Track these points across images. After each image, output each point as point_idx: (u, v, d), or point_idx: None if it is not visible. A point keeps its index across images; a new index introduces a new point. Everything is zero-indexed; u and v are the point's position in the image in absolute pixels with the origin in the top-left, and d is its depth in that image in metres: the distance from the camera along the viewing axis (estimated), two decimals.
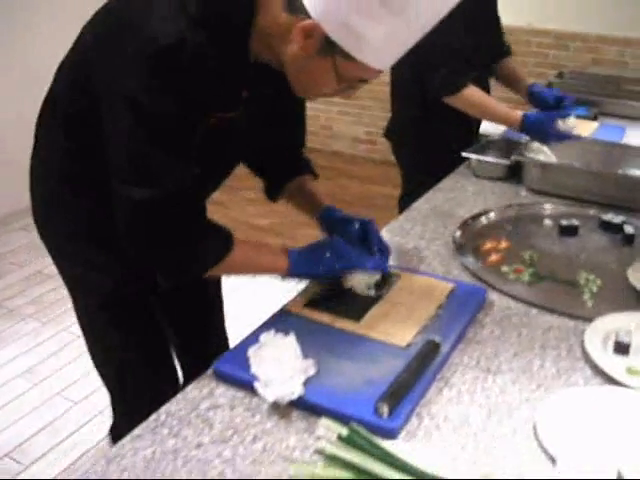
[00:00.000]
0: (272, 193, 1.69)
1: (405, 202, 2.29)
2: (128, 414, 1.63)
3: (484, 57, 2.50)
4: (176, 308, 1.78)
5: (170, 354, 1.69)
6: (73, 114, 1.32)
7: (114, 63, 1.18)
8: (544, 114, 2.33)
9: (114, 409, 1.75)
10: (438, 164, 2.42)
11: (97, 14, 1.30)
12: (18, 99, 4.46)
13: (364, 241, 1.51)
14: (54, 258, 1.57)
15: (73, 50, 1.33)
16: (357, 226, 1.53)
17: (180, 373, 1.80)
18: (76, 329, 3.22)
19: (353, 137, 5.64)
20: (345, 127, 5.63)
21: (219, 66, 1.20)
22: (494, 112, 2.35)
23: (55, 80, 1.38)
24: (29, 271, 3.84)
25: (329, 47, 1.15)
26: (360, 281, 1.46)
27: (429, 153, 2.55)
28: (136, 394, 1.64)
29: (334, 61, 1.18)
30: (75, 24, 1.41)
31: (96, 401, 2.83)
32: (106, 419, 2.70)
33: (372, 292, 1.47)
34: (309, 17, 1.13)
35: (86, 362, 3.00)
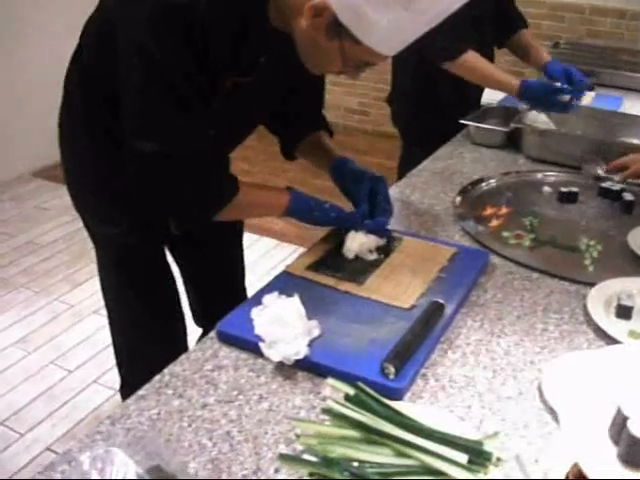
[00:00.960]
0: (288, 151, 1.70)
1: (404, 169, 2.27)
2: (136, 372, 1.64)
3: (488, 27, 2.48)
4: (193, 264, 1.85)
5: (182, 315, 1.75)
6: (97, 66, 1.35)
7: (133, 20, 1.20)
8: (543, 82, 2.30)
9: (121, 368, 1.79)
10: (437, 132, 2.41)
11: None
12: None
13: (372, 197, 1.51)
14: (80, 212, 1.60)
15: (99, 7, 1.36)
16: (366, 181, 1.52)
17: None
18: (69, 298, 3.27)
19: (346, 108, 5.60)
20: (338, 98, 5.59)
21: (235, 29, 1.21)
22: (493, 78, 2.31)
23: (82, 34, 1.40)
24: (20, 241, 3.81)
25: (337, 28, 1.14)
26: (361, 244, 1.46)
27: (429, 121, 2.53)
28: (145, 352, 1.67)
29: (341, 42, 1.18)
30: None
31: (91, 370, 2.83)
32: (101, 387, 2.71)
33: (374, 256, 1.46)
34: None
35: (79, 331, 3.04)
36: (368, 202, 1.50)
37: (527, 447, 1.01)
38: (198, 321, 1.97)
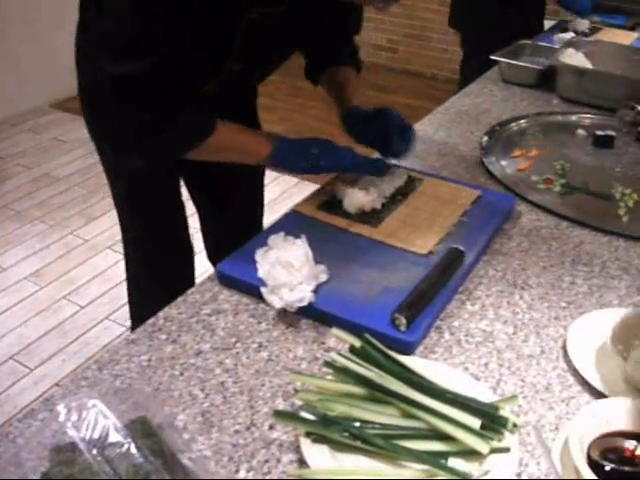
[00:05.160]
0: (311, 75, 1.60)
1: (466, 69, 2.38)
2: (145, 312, 1.60)
3: None
4: (210, 201, 1.82)
5: (192, 255, 1.74)
6: None
7: None
8: None
9: (131, 307, 1.79)
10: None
11: None
12: None
13: (384, 139, 1.40)
14: (95, 140, 1.54)
15: None
16: (375, 120, 1.41)
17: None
18: (83, 233, 3.22)
19: (374, 44, 5.41)
20: (366, 34, 5.39)
21: None
22: None
23: None
24: (37, 173, 3.74)
25: None
26: (360, 205, 1.32)
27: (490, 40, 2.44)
28: (153, 291, 1.66)
29: None
30: None
31: (103, 306, 2.78)
32: (112, 324, 2.66)
33: (378, 204, 1.34)
34: None
35: (92, 267, 2.99)
36: (391, 142, 1.40)
37: (547, 412, 0.92)
38: (211, 258, 1.93)
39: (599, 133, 1.76)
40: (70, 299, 2.83)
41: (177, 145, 1.26)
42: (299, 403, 0.90)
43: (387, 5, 1.18)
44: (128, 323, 1.79)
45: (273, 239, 1.15)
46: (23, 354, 2.53)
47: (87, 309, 2.78)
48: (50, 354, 2.53)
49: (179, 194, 1.64)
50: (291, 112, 4.26)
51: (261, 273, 1.10)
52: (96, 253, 3.11)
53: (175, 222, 1.66)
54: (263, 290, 1.07)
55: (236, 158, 1.37)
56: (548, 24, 2.98)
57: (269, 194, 3.45)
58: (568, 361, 1.00)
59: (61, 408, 0.82)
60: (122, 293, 2.09)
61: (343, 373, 0.90)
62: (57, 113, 4.44)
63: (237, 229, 1.81)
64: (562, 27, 2.72)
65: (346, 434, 0.83)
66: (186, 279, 1.69)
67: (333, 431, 0.83)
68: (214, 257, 1.91)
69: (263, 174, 1.86)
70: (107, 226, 3.22)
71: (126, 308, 1.84)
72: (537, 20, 2.91)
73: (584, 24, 2.65)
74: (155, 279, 1.70)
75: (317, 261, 1.12)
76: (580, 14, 2.66)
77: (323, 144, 1.32)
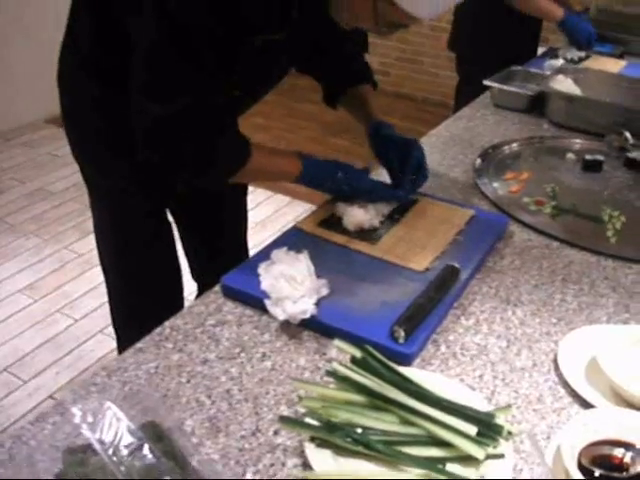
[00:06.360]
0: (330, 100, 1.64)
1: (463, 90, 2.52)
2: (131, 329, 1.61)
3: None
4: (194, 219, 1.77)
5: (179, 272, 1.68)
6: (104, 14, 1.26)
7: None
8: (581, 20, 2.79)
9: (115, 324, 1.74)
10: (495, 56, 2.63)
11: None
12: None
13: (404, 163, 1.45)
14: (79, 162, 1.53)
15: None
16: (399, 149, 1.47)
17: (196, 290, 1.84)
18: (78, 247, 3.24)
19: None
20: None
21: None
22: (539, 5, 2.70)
23: None
24: (31, 188, 3.77)
25: None
26: (359, 222, 1.36)
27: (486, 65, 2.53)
28: (140, 310, 1.62)
29: (375, 1, 1.12)
30: None
31: (97, 319, 2.80)
32: (106, 337, 2.68)
33: (376, 222, 1.38)
34: None
35: (87, 281, 3.01)
36: (404, 174, 1.46)
37: (540, 422, 0.96)
38: (195, 276, 1.91)
39: (588, 157, 1.82)
40: (64, 312, 2.85)
41: (218, 177, 1.30)
42: (302, 410, 0.93)
43: (391, 32, 1.23)
44: None
45: (276, 253, 1.20)
46: (17, 366, 2.55)
47: (81, 322, 2.80)
48: (44, 366, 2.55)
49: (165, 213, 1.61)
50: (285, 132, 4.31)
51: (264, 286, 1.14)
52: (90, 267, 3.13)
53: (162, 239, 1.62)
54: (267, 302, 1.11)
55: (267, 179, 1.41)
56: (539, 50, 3.07)
57: (263, 212, 3.52)
58: (559, 374, 1.05)
59: (76, 410, 0.85)
60: None
61: (345, 382, 0.95)
62: (51, 128, 4.47)
63: (221, 248, 1.83)
64: (552, 54, 2.80)
65: (349, 439, 0.87)
66: (175, 301, 1.68)
67: (337, 436, 0.87)
68: (199, 276, 1.90)
69: (246, 193, 1.86)
70: None
71: None
72: (532, 46, 3.01)
73: (574, 52, 2.73)
74: (141, 296, 1.65)
75: (319, 275, 1.16)
76: (576, 42, 2.76)
77: (347, 169, 1.38)
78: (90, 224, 3.40)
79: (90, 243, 3.26)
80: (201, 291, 1.89)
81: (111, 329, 2.66)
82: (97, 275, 3.04)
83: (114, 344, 2.61)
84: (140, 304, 1.64)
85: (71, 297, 2.95)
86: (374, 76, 1.66)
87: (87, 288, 2.99)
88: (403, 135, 1.52)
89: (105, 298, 2.83)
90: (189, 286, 1.75)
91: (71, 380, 2.48)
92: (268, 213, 3.55)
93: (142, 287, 1.62)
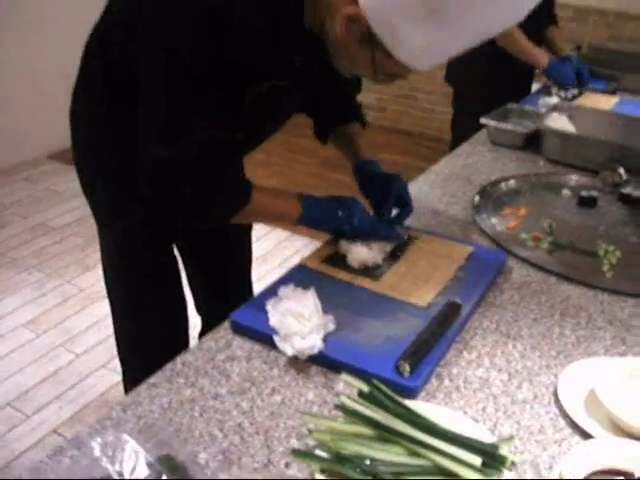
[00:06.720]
0: (320, 136, 1.69)
1: (459, 124, 2.55)
2: (137, 364, 1.64)
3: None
4: (200, 254, 1.80)
5: (185, 308, 1.69)
6: (116, 57, 1.29)
7: (161, 17, 1.16)
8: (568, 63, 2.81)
9: (122, 359, 1.76)
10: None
11: None
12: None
13: (388, 198, 1.50)
14: (88, 200, 1.56)
15: None
16: (382, 184, 1.51)
17: (199, 323, 1.88)
18: (79, 282, 3.28)
19: (364, 104, 5.56)
20: None
21: (269, 34, 1.18)
22: (526, 50, 2.74)
23: (103, 20, 1.36)
24: (33, 222, 3.82)
25: (370, 38, 1.12)
26: (363, 260, 1.40)
27: (482, 100, 2.65)
28: (147, 345, 1.65)
29: (373, 53, 1.16)
30: None
31: (99, 354, 2.83)
32: (108, 372, 2.71)
33: (379, 259, 1.43)
34: (358, 2, 1.09)
35: (89, 315, 3.04)
36: (386, 207, 1.50)
37: (542, 452, 1.00)
38: (199, 310, 1.94)
39: (583, 194, 1.87)
40: (66, 347, 2.88)
41: (218, 218, 1.34)
42: (312, 443, 0.97)
43: (389, 81, 1.28)
44: None
45: (283, 290, 1.24)
46: (20, 401, 2.57)
47: (83, 357, 2.82)
48: (47, 401, 2.57)
49: (173, 250, 1.64)
50: (284, 167, 4.37)
51: (273, 322, 1.17)
52: (92, 302, 3.16)
53: (169, 276, 1.64)
54: (276, 338, 1.14)
55: (267, 220, 1.44)
56: (534, 86, 3.15)
57: (262, 247, 3.56)
58: (559, 406, 1.08)
59: (95, 443, 0.88)
60: None
61: (353, 415, 0.98)
62: (53, 164, 4.53)
63: (226, 283, 1.86)
64: (546, 91, 2.86)
65: (358, 470, 0.90)
66: (181, 335, 1.71)
67: (346, 468, 0.90)
68: (203, 310, 1.94)
69: (251, 229, 1.89)
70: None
71: None
72: (526, 82, 3.11)
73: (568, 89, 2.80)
74: (148, 331, 1.67)
75: (325, 311, 1.20)
76: (564, 86, 2.81)
77: (348, 207, 1.41)
78: (92, 259, 3.47)
79: (92, 278, 3.32)
80: (205, 325, 1.93)
81: (113, 364, 2.73)
82: (99, 310, 3.09)
83: (116, 379, 2.66)
84: (146, 337, 1.66)
85: (73, 332, 2.98)
86: (368, 113, 1.73)
87: (89, 323, 3.02)
88: (386, 171, 1.57)
89: (107, 333, 2.91)
90: (192, 319, 1.78)
91: (74, 415, 2.51)
92: (268, 247, 3.59)
93: (148, 321, 1.65)
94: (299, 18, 1.20)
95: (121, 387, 2.55)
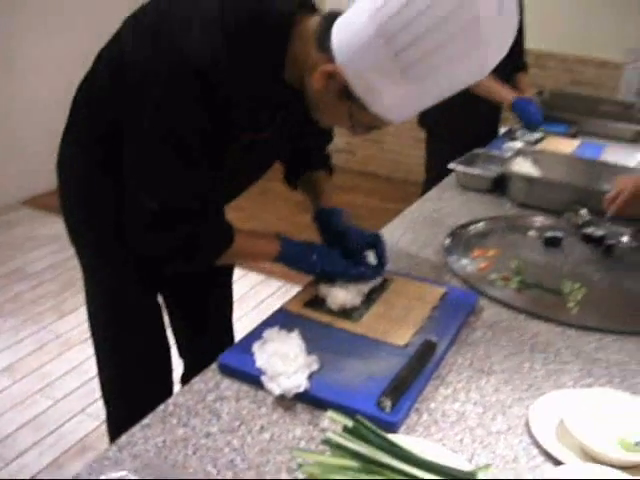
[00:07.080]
0: (290, 181, 1.78)
1: (433, 163, 2.57)
2: (122, 408, 1.67)
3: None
4: (184, 299, 1.84)
5: (169, 352, 1.72)
6: (106, 105, 1.35)
7: (147, 71, 1.23)
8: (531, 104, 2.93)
9: (106, 403, 1.77)
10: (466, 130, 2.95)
11: (139, 11, 1.33)
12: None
13: (358, 251, 1.57)
14: (74, 244, 1.58)
15: (112, 44, 1.37)
16: (339, 235, 1.59)
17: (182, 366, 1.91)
18: (56, 328, 3.30)
19: (333, 147, 5.68)
20: None
21: (252, 89, 1.26)
22: (490, 90, 2.88)
23: (93, 69, 1.41)
24: (9, 268, 3.82)
25: (347, 93, 1.22)
26: (342, 302, 1.47)
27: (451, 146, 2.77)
28: (131, 389, 1.68)
29: (350, 106, 1.25)
30: (112, 16, 1.41)
31: (78, 400, 2.83)
32: (87, 417, 2.72)
33: (357, 301, 1.49)
34: (335, 60, 1.19)
35: (66, 361, 3.05)
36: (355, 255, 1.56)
37: None
38: (182, 352, 1.97)
39: (548, 234, 1.96)
40: (44, 393, 2.88)
41: (203, 263, 1.41)
42: (302, 477, 1.02)
43: (366, 132, 1.37)
44: (103, 416, 1.81)
45: (268, 333, 1.31)
46: None
47: (61, 403, 2.83)
48: (26, 447, 2.57)
49: (156, 295, 1.67)
50: (259, 211, 4.44)
51: (260, 363, 1.24)
52: (69, 347, 3.17)
53: (153, 321, 1.67)
54: (263, 378, 1.21)
55: (247, 260, 1.51)
56: (501, 129, 3.28)
57: (238, 289, 3.59)
58: (532, 436, 1.16)
59: None
60: (96, 387, 2.12)
61: (339, 449, 1.04)
62: (28, 210, 4.55)
63: (208, 326, 1.89)
64: (510, 136, 2.98)
65: None
66: (164, 377, 1.74)
67: None
68: (185, 353, 1.97)
69: (231, 274, 1.95)
70: (80, 321, 3.28)
71: (101, 401, 1.80)
72: (493, 126, 3.26)
73: (530, 133, 2.92)
74: (132, 376, 1.69)
75: (308, 352, 1.27)
76: (530, 127, 2.94)
77: (321, 252, 1.50)
78: (68, 305, 3.49)
79: (69, 324, 3.34)
80: (187, 367, 1.97)
81: (92, 409, 2.75)
82: (76, 355, 3.10)
83: (95, 424, 2.67)
84: (130, 381, 1.69)
85: (51, 377, 2.98)
86: (338, 156, 1.80)
87: (67, 368, 3.03)
88: (347, 224, 1.62)
89: (84, 378, 2.93)
90: (174, 362, 1.82)
91: (54, 460, 2.51)
92: (243, 291, 3.63)
93: (132, 365, 1.67)
94: (280, 74, 1.29)
95: (100, 431, 2.58)
